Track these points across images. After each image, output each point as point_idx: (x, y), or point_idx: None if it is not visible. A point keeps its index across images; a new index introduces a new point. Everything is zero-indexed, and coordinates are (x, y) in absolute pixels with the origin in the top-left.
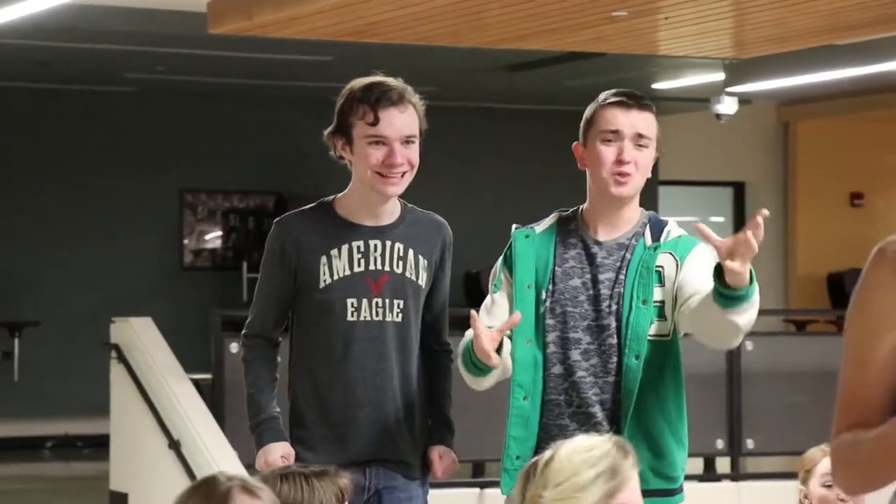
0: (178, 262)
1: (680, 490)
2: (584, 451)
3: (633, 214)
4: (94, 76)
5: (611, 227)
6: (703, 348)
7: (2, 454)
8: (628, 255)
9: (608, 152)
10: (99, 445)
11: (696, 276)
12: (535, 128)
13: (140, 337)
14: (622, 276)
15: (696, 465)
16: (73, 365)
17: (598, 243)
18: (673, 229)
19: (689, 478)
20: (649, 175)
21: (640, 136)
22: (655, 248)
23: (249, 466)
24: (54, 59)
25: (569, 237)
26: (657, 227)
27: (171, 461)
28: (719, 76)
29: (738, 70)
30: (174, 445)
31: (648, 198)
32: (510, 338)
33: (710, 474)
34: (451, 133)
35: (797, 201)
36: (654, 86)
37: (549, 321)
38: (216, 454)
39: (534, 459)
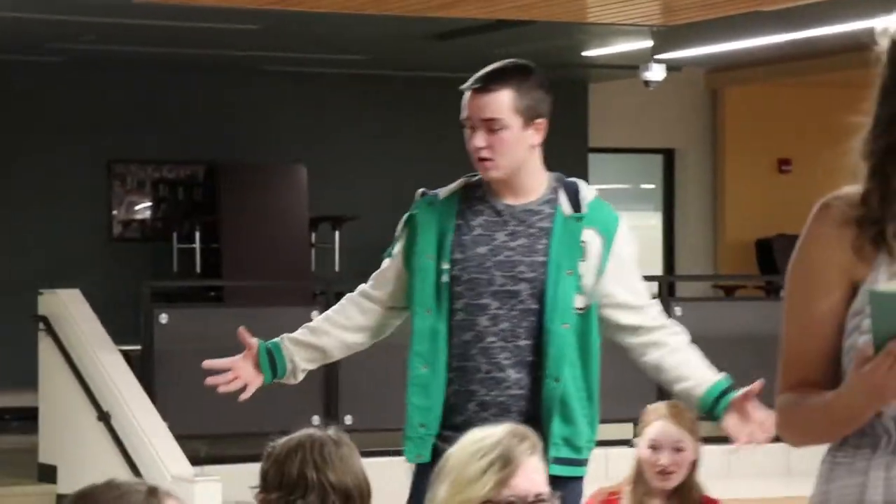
0: (107, 233)
1: (584, 463)
2: (476, 443)
3: (536, 180)
4: (16, 46)
5: (516, 194)
6: None
7: None
8: (546, 224)
9: (468, 139)
10: (27, 419)
11: (622, 282)
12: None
13: (68, 309)
14: (541, 244)
15: (626, 431)
16: (4, 338)
17: (508, 207)
18: (587, 193)
19: (622, 443)
20: (534, 143)
21: (489, 119)
22: (579, 220)
23: (180, 437)
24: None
25: (475, 203)
26: (572, 193)
27: (100, 433)
28: (648, 43)
29: (667, 37)
30: (104, 417)
31: (579, 164)
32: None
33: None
34: (381, 101)
35: (726, 168)
36: (584, 53)
37: (457, 289)
38: (146, 425)
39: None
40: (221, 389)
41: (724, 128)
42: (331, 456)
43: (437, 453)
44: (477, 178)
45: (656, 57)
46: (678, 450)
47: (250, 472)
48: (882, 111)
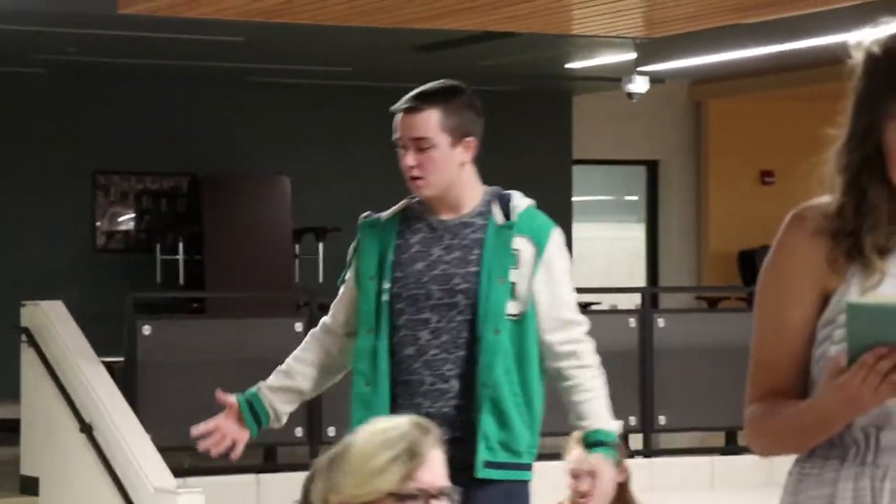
0: (90, 244)
1: (528, 468)
2: (381, 434)
3: (469, 195)
4: (2, 57)
5: (450, 209)
6: (616, 325)
7: None
8: (479, 234)
9: (400, 159)
10: (9, 430)
11: (552, 295)
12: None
13: (51, 320)
14: (474, 255)
15: None
16: None
17: (442, 222)
18: (519, 203)
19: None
20: (464, 161)
21: (418, 139)
22: (510, 228)
23: (163, 449)
24: None
25: (414, 222)
26: (504, 203)
27: (82, 445)
28: (631, 55)
29: (650, 49)
30: (86, 429)
31: (562, 176)
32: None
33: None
34: (365, 113)
35: (709, 179)
36: (567, 65)
37: (398, 306)
38: (129, 437)
39: (336, 448)
40: (214, 453)
41: (708, 139)
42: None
43: None
44: (412, 199)
45: (639, 69)
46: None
47: (233, 484)
48: (857, 124)
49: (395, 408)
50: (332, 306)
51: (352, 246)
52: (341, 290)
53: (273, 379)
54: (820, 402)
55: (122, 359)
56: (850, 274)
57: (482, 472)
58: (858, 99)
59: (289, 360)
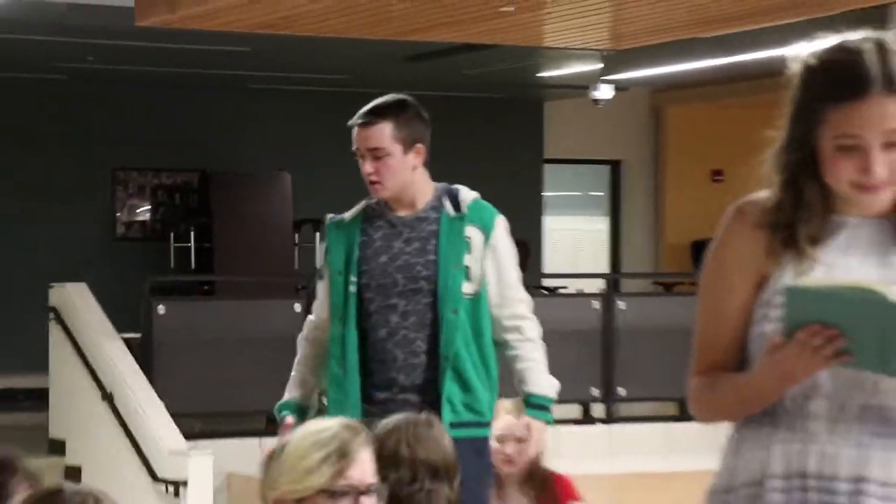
0: (111, 233)
1: (487, 425)
2: (314, 435)
3: (422, 193)
4: (28, 65)
5: (406, 206)
6: (582, 307)
7: None
8: (434, 227)
9: (361, 167)
10: (39, 398)
11: (499, 276)
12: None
13: (76, 301)
14: (431, 245)
15: (574, 411)
16: (15, 326)
17: (400, 218)
18: (467, 196)
19: (567, 422)
20: (415, 165)
21: (372, 149)
22: (461, 219)
23: (175, 415)
24: (11, 51)
25: (375, 220)
26: (453, 198)
27: (104, 411)
28: (597, 66)
29: (615, 60)
30: (107, 397)
31: (534, 174)
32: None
33: (586, 418)
34: None
35: (666, 178)
36: (539, 74)
37: (368, 295)
38: (145, 405)
39: (273, 447)
40: None
41: (666, 142)
42: (422, 436)
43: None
44: (370, 201)
45: (605, 78)
46: (520, 440)
47: (238, 446)
48: (795, 130)
49: (372, 385)
50: (313, 306)
51: (324, 246)
52: (319, 285)
53: (296, 391)
54: (757, 375)
55: (139, 335)
56: (785, 261)
57: (449, 432)
58: (796, 107)
59: (296, 368)
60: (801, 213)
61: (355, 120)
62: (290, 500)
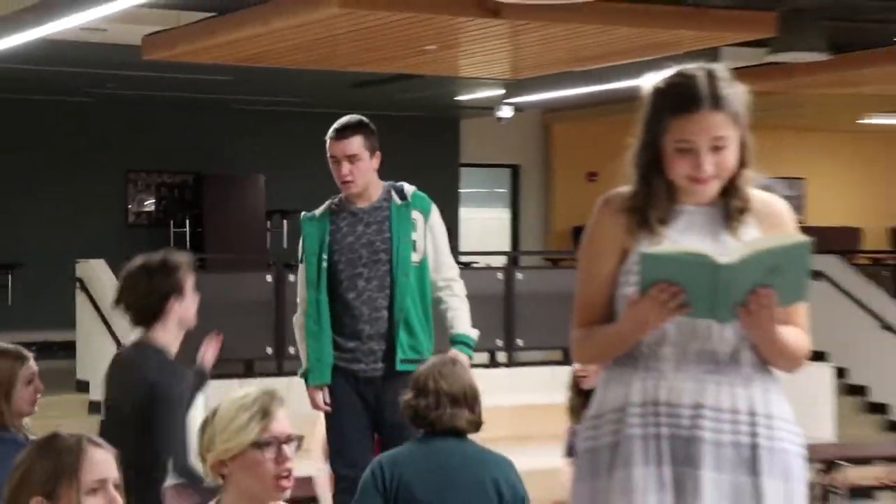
0: (124, 220)
1: (425, 361)
2: (239, 401)
3: (376, 189)
4: (60, 91)
5: (365, 200)
6: (489, 278)
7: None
8: (386, 213)
9: (336, 170)
10: (68, 349)
11: (435, 248)
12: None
13: (96, 273)
14: (386, 226)
15: (483, 357)
16: (50, 293)
17: (361, 209)
18: (409, 189)
19: (478, 366)
20: (375, 167)
21: (350, 155)
22: (406, 206)
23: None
24: (33, 77)
25: (340, 213)
26: (399, 191)
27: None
28: (501, 91)
29: (514, 87)
30: (118, 344)
31: (453, 175)
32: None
33: (492, 363)
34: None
35: (553, 179)
36: (456, 98)
37: (340, 268)
38: None
39: (205, 415)
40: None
41: (553, 151)
42: (446, 372)
43: (334, 375)
44: (337, 198)
45: (506, 101)
46: None
47: (219, 387)
48: (646, 137)
49: (343, 336)
50: (298, 290)
51: (300, 243)
52: (301, 267)
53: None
54: (620, 325)
55: None
56: (640, 237)
57: (400, 366)
58: (646, 120)
59: (301, 343)
60: (652, 201)
61: (332, 133)
62: (227, 459)
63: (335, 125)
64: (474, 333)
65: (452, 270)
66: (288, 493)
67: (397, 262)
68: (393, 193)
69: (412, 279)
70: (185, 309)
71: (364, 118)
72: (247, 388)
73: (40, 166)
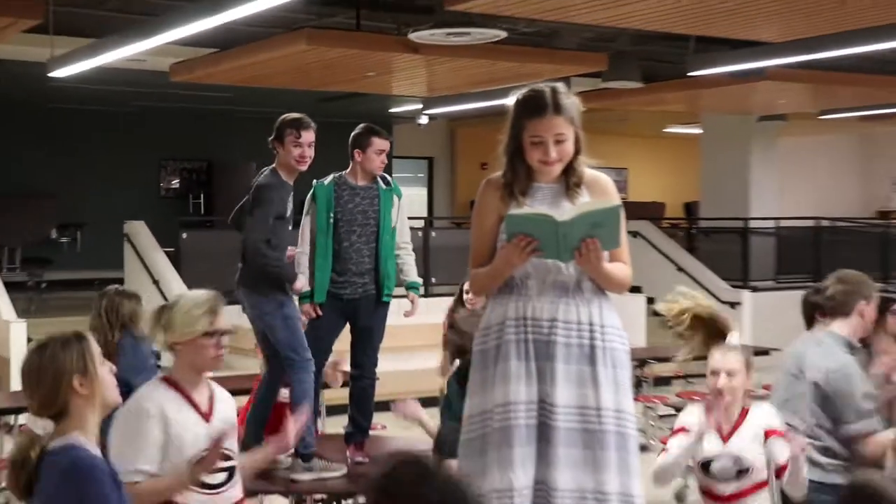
0: (157, 194)
1: (391, 296)
2: (195, 298)
3: (370, 174)
4: (107, 103)
5: (362, 180)
6: (413, 235)
7: (74, 289)
8: (376, 192)
9: (373, 160)
10: (118, 282)
11: (400, 221)
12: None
13: (139, 231)
14: (376, 202)
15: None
16: (107, 244)
17: (359, 186)
18: (390, 179)
19: (403, 297)
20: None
21: (384, 150)
22: (389, 191)
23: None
24: (92, 94)
25: (343, 185)
26: (385, 180)
27: (154, 290)
28: (420, 105)
29: (429, 102)
30: (155, 282)
31: (388, 164)
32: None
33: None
34: None
35: (457, 167)
36: (390, 110)
37: (341, 224)
38: (176, 288)
39: (163, 304)
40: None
41: (456, 148)
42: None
43: (328, 297)
44: (340, 174)
45: (424, 112)
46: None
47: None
48: (511, 134)
49: (335, 272)
50: (301, 232)
51: (308, 196)
52: (305, 220)
53: (305, 283)
54: (496, 263)
55: (172, 249)
56: (510, 205)
57: (384, 299)
58: (511, 122)
59: (301, 270)
60: (515, 180)
61: (370, 132)
62: (183, 342)
63: (376, 129)
64: (419, 280)
65: (408, 237)
66: (220, 365)
67: (384, 227)
68: (380, 180)
69: (389, 239)
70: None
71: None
72: (200, 291)
73: (99, 156)
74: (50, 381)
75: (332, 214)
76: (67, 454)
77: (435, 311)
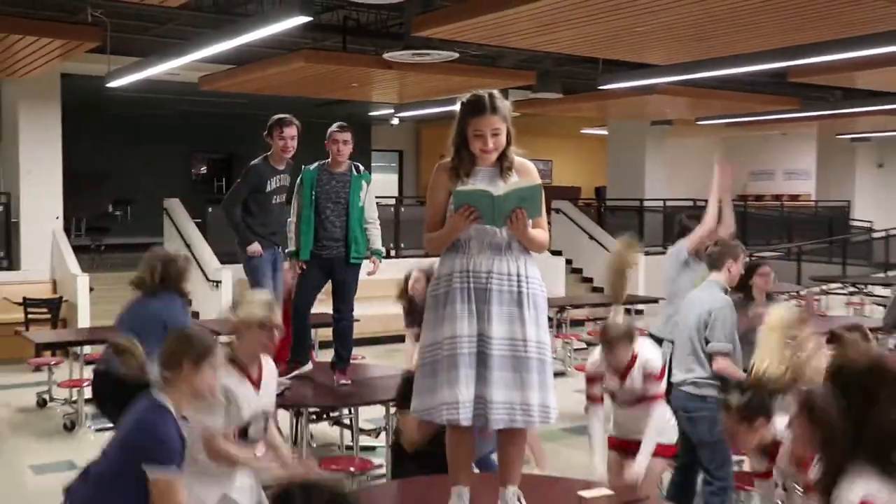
0: (189, 178)
1: (363, 258)
2: (259, 298)
3: (346, 162)
4: (155, 107)
5: (337, 167)
6: (387, 210)
7: (125, 251)
8: (349, 178)
9: (340, 148)
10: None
11: (369, 201)
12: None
13: (174, 206)
14: (347, 186)
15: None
16: (149, 217)
17: (336, 172)
18: (361, 167)
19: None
20: (349, 152)
21: (346, 141)
22: (359, 177)
23: (217, 253)
24: (139, 100)
25: (324, 172)
26: (356, 167)
27: (188, 253)
28: (392, 110)
29: (400, 108)
30: (188, 246)
31: (367, 155)
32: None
33: (388, 256)
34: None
35: (421, 158)
36: (369, 113)
37: (320, 200)
38: (203, 250)
39: (240, 296)
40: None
41: (421, 143)
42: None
43: (312, 257)
44: (324, 162)
45: (396, 115)
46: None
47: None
48: (457, 129)
49: (317, 238)
50: (293, 207)
51: (300, 177)
52: (295, 201)
53: (293, 245)
54: (446, 228)
55: (200, 220)
56: (457, 184)
57: (351, 260)
58: (458, 119)
59: (292, 236)
60: (461, 164)
61: (337, 127)
62: (246, 325)
63: (338, 125)
64: (382, 249)
65: (376, 213)
66: (271, 352)
67: (352, 205)
68: (353, 168)
69: (357, 213)
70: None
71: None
72: (260, 292)
73: (145, 148)
74: (173, 348)
75: (313, 193)
76: (152, 409)
77: (404, 268)
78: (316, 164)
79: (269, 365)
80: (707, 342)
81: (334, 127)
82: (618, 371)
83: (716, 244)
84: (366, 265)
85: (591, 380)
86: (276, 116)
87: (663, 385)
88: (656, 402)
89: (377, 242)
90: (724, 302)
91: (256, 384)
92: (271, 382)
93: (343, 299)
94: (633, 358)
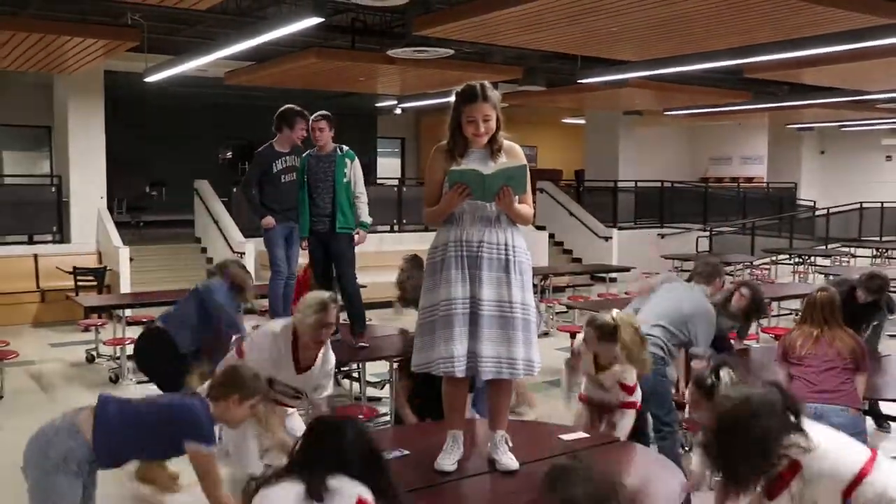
0: (217, 162)
1: (353, 230)
2: (315, 298)
3: (331, 146)
4: (186, 99)
5: (325, 150)
6: (391, 190)
7: (160, 227)
8: (334, 159)
9: (318, 138)
10: (190, 225)
11: (355, 177)
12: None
13: (204, 187)
14: (333, 166)
15: (387, 228)
16: (182, 197)
17: (323, 154)
18: (345, 148)
19: (385, 232)
20: (332, 136)
21: (322, 129)
22: (344, 155)
23: (242, 228)
24: (171, 93)
25: (311, 157)
26: (342, 149)
27: (214, 227)
28: (395, 101)
29: (402, 99)
30: (216, 222)
31: (373, 142)
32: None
33: (392, 230)
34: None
35: (422, 145)
36: (376, 105)
37: (312, 181)
38: (229, 224)
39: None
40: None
41: (421, 131)
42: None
43: (311, 232)
44: (315, 148)
45: (399, 105)
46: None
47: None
48: (453, 115)
49: (311, 214)
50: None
51: (300, 162)
52: (292, 175)
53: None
54: (441, 204)
55: (226, 199)
56: (452, 164)
57: (338, 230)
58: (453, 107)
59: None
60: (456, 146)
61: (319, 115)
62: (305, 324)
63: (315, 115)
64: (369, 220)
65: (362, 188)
66: (322, 344)
67: (338, 182)
68: (338, 150)
69: (345, 189)
70: None
71: (328, 113)
72: (321, 292)
73: (178, 135)
74: (227, 382)
75: (305, 177)
76: (202, 404)
77: (406, 241)
78: (310, 152)
79: (328, 356)
80: (685, 334)
81: (312, 117)
82: (596, 361)
83: (706, 264)
84: (379, 238)
85: (576, 355)
86: (294, 108)
87: (638, 395)
88: (628, 410)
89: (364, 215)
90: (713, 312)
91: (302, 369)
92: (320, 375)
93: (340, 266)
94: (614, 359)
